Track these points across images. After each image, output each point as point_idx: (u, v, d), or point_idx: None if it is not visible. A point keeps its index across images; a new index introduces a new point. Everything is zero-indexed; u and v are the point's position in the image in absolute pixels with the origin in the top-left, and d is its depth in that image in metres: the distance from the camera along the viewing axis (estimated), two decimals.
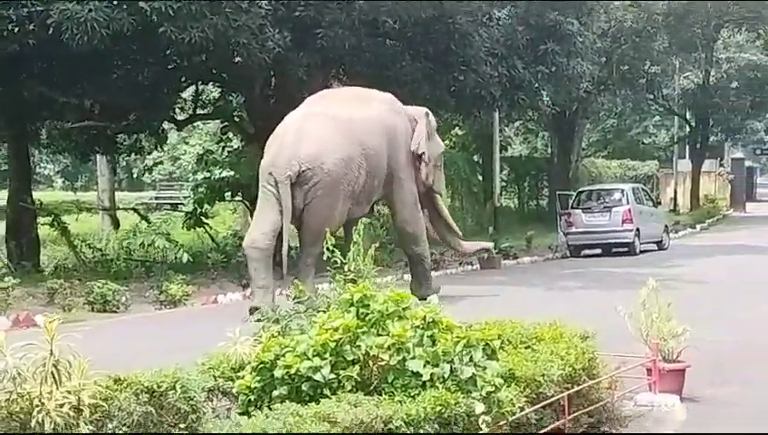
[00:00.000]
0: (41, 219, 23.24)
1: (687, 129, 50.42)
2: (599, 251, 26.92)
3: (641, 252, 26.73)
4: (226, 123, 28.99)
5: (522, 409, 6.49)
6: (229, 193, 27.86)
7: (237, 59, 19.54)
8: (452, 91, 22.78)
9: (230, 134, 29.18)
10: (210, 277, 19.97)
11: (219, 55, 19.60)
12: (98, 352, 10.67)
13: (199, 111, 28.25)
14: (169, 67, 23.06)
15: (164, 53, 21.28)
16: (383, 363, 5.93)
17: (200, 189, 28.16)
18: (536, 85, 24.18)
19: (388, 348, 5.92)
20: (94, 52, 18.51)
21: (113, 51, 19.71)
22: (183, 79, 25.24)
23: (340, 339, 5.92)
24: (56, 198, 40.77)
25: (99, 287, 15.90)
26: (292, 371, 5.80)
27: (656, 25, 34.57)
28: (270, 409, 5.37)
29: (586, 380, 7.51)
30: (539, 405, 6.73)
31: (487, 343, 6.27)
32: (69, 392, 5.18)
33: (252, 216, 27.35)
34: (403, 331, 5.99)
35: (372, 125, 15.68)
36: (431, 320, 6.22)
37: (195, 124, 46.71)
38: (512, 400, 6.30)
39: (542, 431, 6.73)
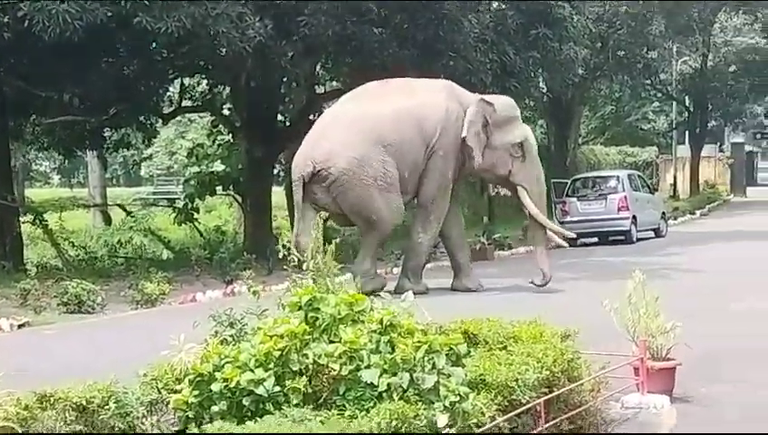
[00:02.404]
0: (24, 217, 22.73)
1: (686, 114, 49.86)
2: (595, 240, 26.37)
3: (638, 240, 26.25)
4: (215, 116, 28.59)
5: (492, 418, 5.96)
6: (220, 187, 27.49)
7: (222, 50, 18.98)
8: (441, 78, 22.17)
9: (221, 127, 28.72)
10: (194, 274, 19.43)
11: (202, 46, 19.10)
12: (48, 359, 10.27)
13: (185, 104, 27.76)
14: (154, 59, 22.55)
15: (148, 45, 20.77)
16: (334, 374, 5.37)
17: (191, 184, 27.77)
18: (528, 71, 23.61)
19: (340, 356, 5.36)
20: (72, 45, 17.99)
21: (93, 44, 19.17)
22: (169, 71, 24.71)
23: (286, 347, 5.36)
24: (53, 195, 40.42)
25: (73, 287, 15.33)
26: (232, 384, 5.25)
27: (652, 10, 33.90)
28: (198, 428, 4.82)
29: (566, 383, 6.98)
30: (511, 414, 6.18)
31: (451, 348, 5.73)
32: None
33: (243, 210, 27.06)
34: (356, 337, 5.44)
35: (400, 119, 15.82)
36: (389, 323, 5.66)
37: (192, 118, 46.51)
38: (481, 409, 5.77)
39: None
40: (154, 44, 20.70)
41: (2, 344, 11.95)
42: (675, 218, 34.20)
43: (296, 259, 7.00)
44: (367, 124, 15.62)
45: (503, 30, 22.51)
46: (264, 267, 19.53)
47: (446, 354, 5.67)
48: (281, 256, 7.33)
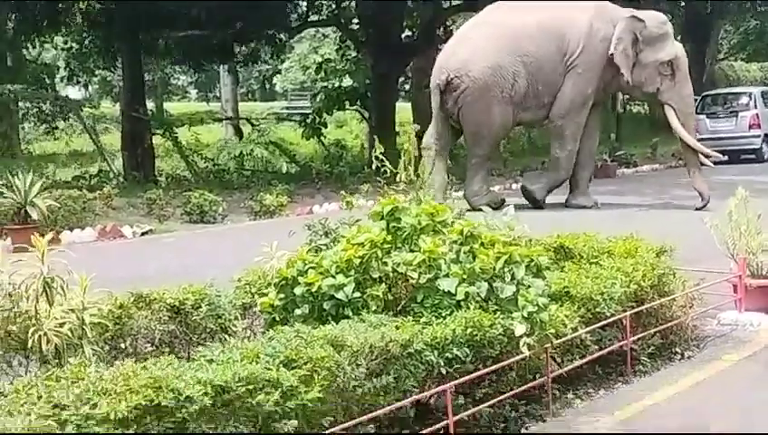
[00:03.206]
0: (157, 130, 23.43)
1: None
2: (725, 158, 25.63)
3: None
4: (342, 32, 28.71)
5: (575, 329, 6.03)
6: (347, 102, 27.63)
7: None
8: None
9: (349, 43, 28.84)
10: (315, 187, 19.77)
11: None
12: (159, 264, 10.67)
13: (312, 19, 27.95)
14: None
15: None
16: (413, 282, 5.50)
17: (319, 98, 28.03)
18: None
19: (419, 265, 5.47)
20: None
21: None
22: None
23: (366, 255, 5.50)
24: (189, 108, 41.37)
25: (195, 198, 15.86)
26: (314, 288, 5.43)
27: None
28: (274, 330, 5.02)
29: (656, 298, 6.97)
30: (593, 326, 6.24)
31: (532, 260, 5.78)
32: (72, 311, 4.91)
33: (369, 124, 27.23)
34: (435, 246, 5.53)
35: (539, 31, 15.86)
36: (469, 234, 5.74)
37: (325, 33, 46.74)
38: (562, 320, 5.83)
39: (596, 354, 6.25)
40: None
41: (120, 250, 12.52)
42: None
43: (388, 171, 7.10)
44: (506, 33, 15.68)
45: None
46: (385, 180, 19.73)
47: (527, 266, 5.72)
48: (374, 167, 7.47)
